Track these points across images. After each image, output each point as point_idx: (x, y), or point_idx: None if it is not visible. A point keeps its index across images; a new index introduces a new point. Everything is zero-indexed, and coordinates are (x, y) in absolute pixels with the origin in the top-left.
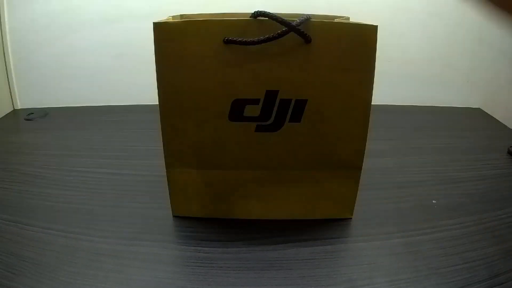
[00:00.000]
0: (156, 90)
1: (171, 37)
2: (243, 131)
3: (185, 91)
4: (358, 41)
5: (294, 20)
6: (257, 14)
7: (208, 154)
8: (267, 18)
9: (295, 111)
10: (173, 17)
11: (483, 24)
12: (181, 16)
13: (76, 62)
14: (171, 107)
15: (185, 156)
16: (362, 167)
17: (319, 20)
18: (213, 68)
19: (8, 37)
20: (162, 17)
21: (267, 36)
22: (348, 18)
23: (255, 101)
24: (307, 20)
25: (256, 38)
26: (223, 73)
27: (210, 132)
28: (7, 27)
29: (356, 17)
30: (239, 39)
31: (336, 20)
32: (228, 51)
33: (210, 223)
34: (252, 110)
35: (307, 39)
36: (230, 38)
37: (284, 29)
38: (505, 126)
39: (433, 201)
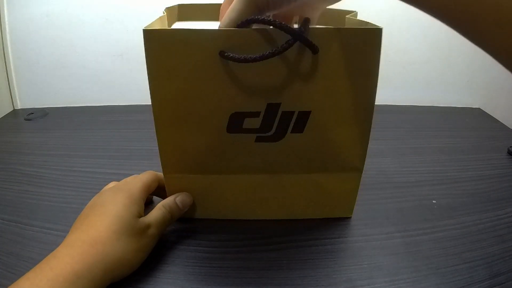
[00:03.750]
0: None
1: (162, 45)
2: (242, 141)
3: (179, 102)
4: (364, 46)
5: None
6: (259, 21)
7: (206, 162)
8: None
9: (297, 122)
10: (169, 8)
11: None
12: (179, 6)
13: (76, 62)
14: (165, 118)
15: (182, 164)
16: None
17: (322, 27)
18: (209, 80)
19: (8, 37)
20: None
21: (269, 51)
22: (356, 14)
23: (255, 114)
24: (306, 23)
25: (259, 55)
26: (220, 86)
27: (207, 143)
28: (7, 27)
29: (360, 16)
30: (238, 56)
31: (346, 16)
32: (225, 62)
33: (210, 223)
34: (251, 123)
35: (314, 50)
36: (228, 54)
37: (289, 39)
38: (505, 126)
39: (433, 201)
